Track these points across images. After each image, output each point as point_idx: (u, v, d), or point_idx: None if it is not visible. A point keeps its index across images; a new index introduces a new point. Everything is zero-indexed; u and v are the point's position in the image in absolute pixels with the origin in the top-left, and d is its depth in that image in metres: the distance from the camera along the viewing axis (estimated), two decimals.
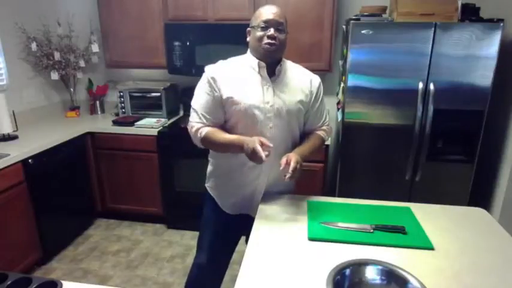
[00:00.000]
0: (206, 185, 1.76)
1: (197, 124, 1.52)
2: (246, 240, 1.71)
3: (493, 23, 2.10)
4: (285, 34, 1.47)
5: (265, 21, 1.43)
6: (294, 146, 1.59)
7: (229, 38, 2.72)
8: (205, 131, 1.50)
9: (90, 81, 3.45)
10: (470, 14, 2.19)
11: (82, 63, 3.28)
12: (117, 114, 3.27)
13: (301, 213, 1.46)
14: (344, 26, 2.65)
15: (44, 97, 3.31)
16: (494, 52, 2.12)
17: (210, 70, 1.51)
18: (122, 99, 3.19)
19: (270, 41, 1.42)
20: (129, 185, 3.07)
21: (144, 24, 2.94)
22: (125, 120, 3.06)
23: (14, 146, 2.45)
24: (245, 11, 2.72)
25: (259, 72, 1.49)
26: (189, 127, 1.56)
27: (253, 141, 1.35)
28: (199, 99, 1.52)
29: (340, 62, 2.76)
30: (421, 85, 2.22)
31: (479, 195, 2.48)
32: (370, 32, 2.21)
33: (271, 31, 1.42)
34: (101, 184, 3.13)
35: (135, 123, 2.98)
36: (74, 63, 3.26)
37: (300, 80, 1.56)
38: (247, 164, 1.51)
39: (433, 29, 2.14)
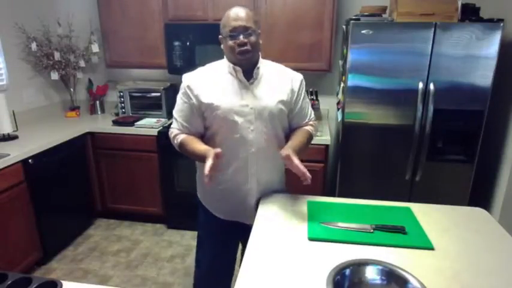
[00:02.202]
0: (197, 193, 1.73)
1: (175, 130, 1.55)
2: (243, 248, 1.67)
3: (493, 23, 2.10)
4: (255, 35, 1.43)
5: (232, 30, 1.40)
6: (280, 147, 1.52)
7: None
8: (181, 138, 1.52)
9: (90, 81, 3.45)
10: (470, 14, 2.19)
11: (82, 63, 3.28)
12: (117, 114, 3.27)
13: (301, 213, 1.46)
14: (344, 26, 2.65)
15: (44, 97, 3.31)
16: (494, 52, 2.12)
17: (186, 79, 1.51)
18: (122, 99, 3.19)
19: (241, 49, 1.40)
20: (129, 185, 3.07)
21: (144, 24, 2.94)
22: (125, 120, 3.06)
23: (14, 146, 2.46)
24: None
25: (236, 76, 1.47)
26: (169, 132, 1.59)
27: (209, 156, 1.30)
28: (178, 107, 1.54)
29: (340, 62, 2.76)
30: (421, 85, 2.22)
31: (479, 195, 2.48)
32: (370, 32, 2.21)
33: (241, 38, 1.39)
34: (101, 184, 3.13)
35: (135, 123, 2.98)
36: (74, 63, 3.27)
37: (281, 80, 1.54)
38: (232, 166, 1.51)
39: (433, 29, 2.14)
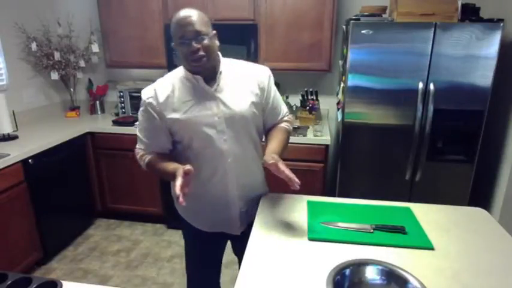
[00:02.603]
0: (175, 206, 1.61)
1: (140, 151, 1.46)
2: (239, 260, 1.64)
3: (493, 23, 2.10)
4: (209, 38, 1.29)
5: (181, 37, 1.27)
6: (257, 151, 1.50)
7: (229, 38, 2.71)
8: (147, 158, 1.43)
9: (90, 81, 3.45)
10: (470, 14, 2.19)
11: (82, 63, 3.28)
12: (117, 114, 3.27)
13: (301, 213, 1.46)
14: (344, 26, 2.65)
15: (44, 97, 3.31)
16: (494, 52, 2.12)
17: (145, 95, 1.39)
18: (122, 99, 3.19)
19: (195, 56, 1.27)
20: (129, 185, 3.07)
21: (144, 24, 2.94)
22: (125, 120, 3.06)
23: (14, 146, 2.46)
24: (245, 11, 2.72)
25: (199, 85, 1.35)
26: (135, 153, 1.50)
27: (178, 175, 1.20)
28: (141, 125, 1.44)
29: (340, 62, 2.76)
30: (421, 85, 2.22)
31: (479, 195, 2.48)
32: (370, 32, 2.21)
33: (193, 45, 1.26)
34: (101, 184, 3.13)
35: (135, 123, 2.95)
36: (74, 63, 3.27)
37: (247, 80, 1.41)
38: (210, 179, 1.43)
39: (433, 29, 2.14)
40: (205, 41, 1.28)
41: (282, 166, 1.25)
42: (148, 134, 1.43)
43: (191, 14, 1.27)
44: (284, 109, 1.57)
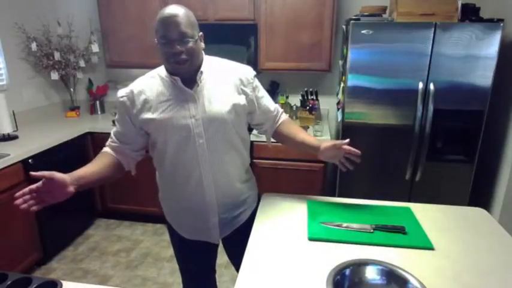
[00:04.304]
0: (163, 211, 1.63)
1: (105, 148, 1.45)
2: (236, 267, 1.61)
3: (493, 23, 2.10)
4: (194, 41, 1.22)
5: (164, 37, 1.19)
6: (239, 156, 1.43)
7: (229, 38, 2.72)
8: (100, 154, 1.44)
9: (90, 81, 3.45)
10: (470, 14, 2.19)
11: (82, 63, 3.28)
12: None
13: (301, 213, 1.46)
14: (344, 26, 2.65)
15: (44, 97, 3.31)
16: (494, 52, 2.12)
17: (121, 94, 1.35)
18: None
19: (177, 58, 1.20)
20: (129, 185, 3.07)
21: (144, 24, 2.94)
22: None
23: (14, 146, 2.46)
24: (245, 11, 2.72)
25: (178, 85, 1.28)
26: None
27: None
28: (117, 124, 1.43)
29: (340, 62, 2.76)
30: (421, 85, 2.22)
31: (479, 195, 2.48)
32: (370, 32, 2.21)
33: (176, 47, 1.19)
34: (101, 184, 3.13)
35: None
36: (74, 63, 3.27)
37: (230, 81, 1.34)
38: (187, 184, 1.38)
39: (433, 29, 2.14)
40: (190, 44, 1.21)
41: (345, 146, 1.44)
42: (120, 134, 1.41)
43: (178, 12, 1.19)
44: (273, 104, 1.52)
